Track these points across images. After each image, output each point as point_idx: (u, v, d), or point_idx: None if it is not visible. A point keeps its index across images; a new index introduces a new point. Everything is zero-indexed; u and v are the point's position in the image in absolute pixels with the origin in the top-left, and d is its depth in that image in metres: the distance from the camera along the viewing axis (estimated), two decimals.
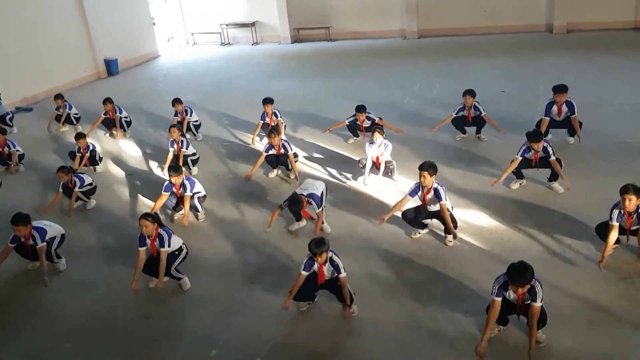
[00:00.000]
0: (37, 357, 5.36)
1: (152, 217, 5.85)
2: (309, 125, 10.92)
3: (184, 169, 7.80)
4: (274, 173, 8.70)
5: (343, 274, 5.20)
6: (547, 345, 4.80)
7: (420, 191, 6.32)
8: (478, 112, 9.04)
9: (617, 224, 5.55)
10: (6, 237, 6.33)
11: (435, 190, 6.20)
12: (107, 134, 11.23)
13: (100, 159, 9.66)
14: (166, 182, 7.29)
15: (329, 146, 9.75)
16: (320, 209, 6.78)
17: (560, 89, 8.33)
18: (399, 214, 6.63)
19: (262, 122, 9.70)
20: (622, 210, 5.53)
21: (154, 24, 20.40)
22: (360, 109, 9.27)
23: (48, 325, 5.73)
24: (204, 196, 7.61)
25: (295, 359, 5.04)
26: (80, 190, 7.96)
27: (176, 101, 10.45)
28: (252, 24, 20.89)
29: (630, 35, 16.16)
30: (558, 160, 7.21)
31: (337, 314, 5.48)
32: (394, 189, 7.91)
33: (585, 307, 5.24)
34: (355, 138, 9.79)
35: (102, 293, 6.19)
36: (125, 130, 11.17)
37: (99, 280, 6.43)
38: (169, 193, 7.26)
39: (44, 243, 6.23)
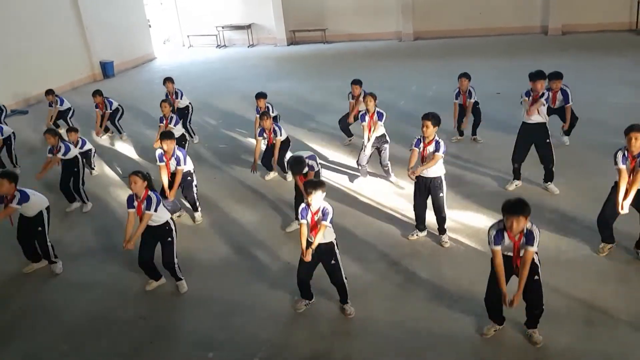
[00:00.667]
0: (37, 357, 5.36)
1: (142, 174, 5.72)
2: (306, 126, 10.96)
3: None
4: (270, 175, 8.74)
5: (325, 222, 5.07)
6: (545, 345, 4.81)
7: (421, 143, 6.26)
8: (470, 98, 8.98)
9: (624, 167, 5.50)
10: (2, 239, 6.32)
11: (437, 142, 6.15)
12: (101, 135, 11.17)
13: (94, 155, 9.53)
14: (158, 152, 7.18)
15: (326, 148, 9.78)
16: (318, 169, 6.94)
17: (555, 76, 8.28)
18: (397, 214, 6.62)
19: (257, 116, 9.71)
20: (626, 153, 5.50)
21: (150, 26, 20.43)
22: (356, 82, 9.43)
23: (47, 326, 5.73)
24: (194, 175, 7.52)
25: (293, 359, 5.05)
26: (64, 158, 7.88)
27: (168, 80, 10.44)
28: (248, 26, 20.92)
29: (626, 37, 16.27)
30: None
31: (335, 314, 5.51)
32: (390, 190, 7.95)
33: (582, 306, 5.26)
34: (350, 139, 9.84)
35: (101, 294, 6.20)
36: (120, 132, 11.15)
37: (97, 281, 6.44)
38: (164, 163, 7.14)
39: (19, 206, 6.10)
